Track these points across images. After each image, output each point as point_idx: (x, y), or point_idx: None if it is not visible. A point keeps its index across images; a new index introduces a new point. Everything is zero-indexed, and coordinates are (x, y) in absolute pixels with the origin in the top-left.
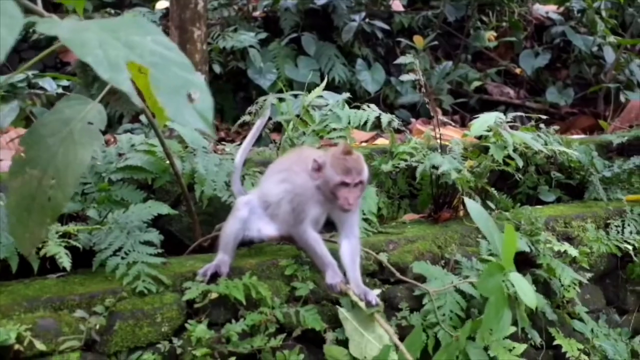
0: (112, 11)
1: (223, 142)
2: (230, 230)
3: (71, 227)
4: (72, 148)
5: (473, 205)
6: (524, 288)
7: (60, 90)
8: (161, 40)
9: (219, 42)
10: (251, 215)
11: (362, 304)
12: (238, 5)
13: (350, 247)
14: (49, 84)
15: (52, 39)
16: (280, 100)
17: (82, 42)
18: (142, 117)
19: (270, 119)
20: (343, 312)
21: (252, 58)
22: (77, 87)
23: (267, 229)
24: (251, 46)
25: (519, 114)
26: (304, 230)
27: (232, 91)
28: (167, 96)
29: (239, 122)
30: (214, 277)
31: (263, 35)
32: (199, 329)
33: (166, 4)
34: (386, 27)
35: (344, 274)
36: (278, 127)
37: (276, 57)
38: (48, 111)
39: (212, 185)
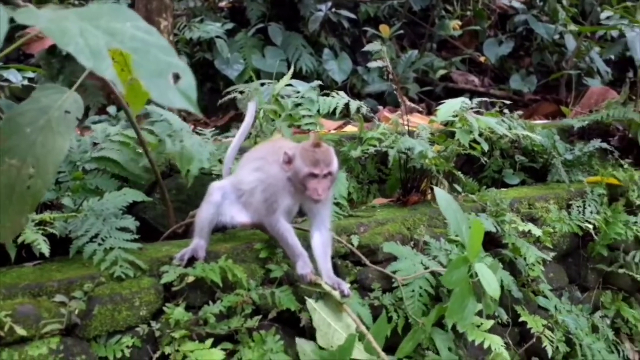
0: (76, 2)
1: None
2: (204, 215)
3: (47, 215)
4: (51, 137)
5: (440, 194)
6: (488, 278)
7: (25, 82)
8: (141, 25)
9: (186, 33)
10: (224, 201)
11: (335, 294)
12: None
13: (322, 239)
14: (14, 76)
15: (15, 31)
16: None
17: (62, 31)
18: (110, 109)
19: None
20: (311, 303)
21: (219, 49)
22: (42, 79)
23: (239, 216)
24: (218, 37)
25: (484, 99)
26: (276, 220)
27: (200, 82)
28: (150, 79)
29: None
30: (191, 261)
31: (230, 25)
32: (177, 312)
33: None
34: (352, 16)
35: (316, 267)
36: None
37: (243, 48)
38: (14, 103)
39: (198, 164)
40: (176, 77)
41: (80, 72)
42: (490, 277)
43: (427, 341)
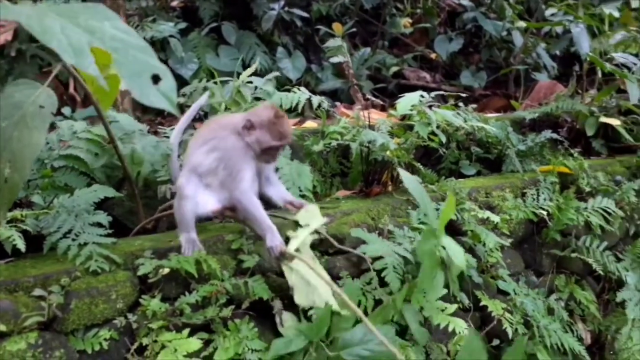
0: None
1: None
2: (184, 210)
3: (18, 213)
4: (27, 131)
5: (407, 176)
6: (454, 250)
7: None
8: (119, 25)
9: (139, 33)
10: (198, 193)
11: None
12: None
13: (279, 187)
14: None
15: None
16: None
17: (44, 28)
18: (64, 110)
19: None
20: (287, 264)
21: (173, 48)
22: None
23: (209, 202)
24: (171, 36)
25: (439, 92)
26: (244, 191)
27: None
28: (132, 79)
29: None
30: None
31: (183, 25)
32: (153, 303)
33: None
34: (305, 14)
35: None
36: (200, 118)
37: (197, 47)
38: None
39: (149, 166)
40: (155, 78)
41: (29, 73)
42: (457, 248)
43: (398, 316)
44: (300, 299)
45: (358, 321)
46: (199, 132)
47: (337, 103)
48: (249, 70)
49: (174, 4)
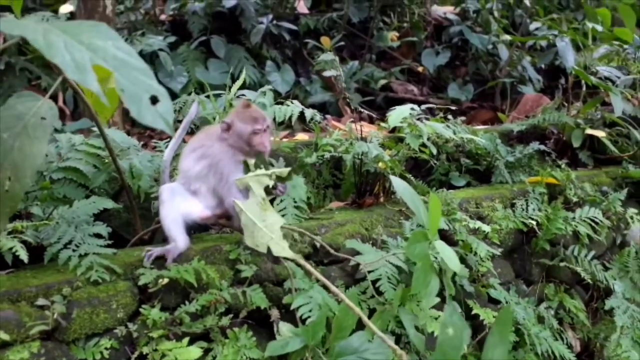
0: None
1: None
2: (164, 214)
3: (19, 224)
4: (28, 142)
5: (398, 182)
6: (448, 254)
7: None
8: (121, 45)
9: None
10: (178, 197)
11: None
12: (144, 9)
13: None
14: None
15: None
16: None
17: (49, 44)
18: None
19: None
20: (239, 204)
21: (163, 61)
22: None
23: (197, 210)
24: (161, 50)
25: (428, 105)
26: (237, 195)
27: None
28: (131, 99)
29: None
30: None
31: (172, 38)
32: (153, 313)
33: (70, 8)
34: (294, 28)
35: None
36: (191, 132)
37: (186, 61)
38: None
39: (148, 180)
40: (153, 99)
41: (18, 86)
42: (450, 252)
43: (394, 323)
44: (248, 239)
45: (354, 330)
46: (189, 142)
47: (327, 116)
48: (238, 83)
49: (163, 17)
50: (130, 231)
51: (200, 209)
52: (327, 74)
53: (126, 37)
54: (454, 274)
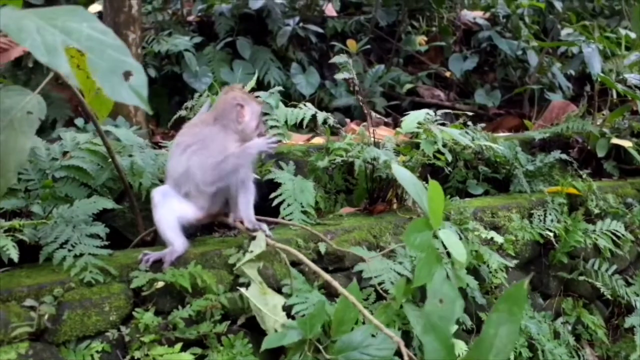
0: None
1: (160, 145)
2: (157, 217)
3: (16, 222)
4: (13, 136)
5: (399, 170)
6: (453, 242)
7: None
8: (97, 26)
9: (154, 46)
10: (170, 200)
11: (259, 234)
12: (172, 10)
13: (248, 197)
14: None
15: None
16: (216, 94)
17: (19, 28)
18: (77, 121)
19: None
20: (244, 293)
21: (188, 62)
22: None
23: (189, 211)
24: (186, 50)
25: (447, 110)
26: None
27: (168, 95)
28: (104, 76)
29: (175, 117)
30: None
31: (198, 39)
32: (147, 317)
33: (99, 8)
34: (320, 30)
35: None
36: None
37: (211, 61)
38: None
39: (149, 177)
40: (128, 75)
41: (46, 84)
42: (456, 241)
43: (399, 320)
44: (261, 325)
45: (356, 324)
46: (175, 142)
47: (348, 120)
48: (252, 82)
49: (190, 18)
50: (134, 232)
51: (193, 210)
52: (339, 76)
53: (153, 36)
54: (467, 284)
